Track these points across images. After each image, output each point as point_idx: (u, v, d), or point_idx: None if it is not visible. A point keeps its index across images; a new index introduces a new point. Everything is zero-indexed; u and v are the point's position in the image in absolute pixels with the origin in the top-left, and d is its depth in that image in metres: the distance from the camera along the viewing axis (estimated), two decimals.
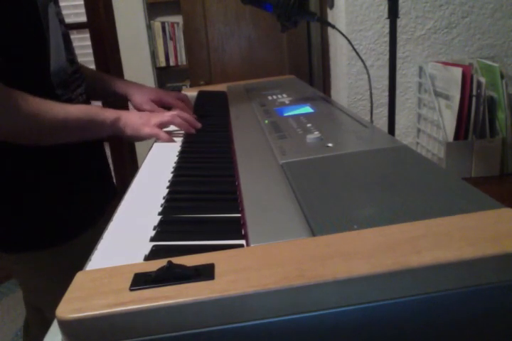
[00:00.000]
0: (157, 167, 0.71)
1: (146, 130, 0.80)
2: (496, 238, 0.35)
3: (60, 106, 0.72)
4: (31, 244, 0.78)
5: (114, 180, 1.03)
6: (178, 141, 0.84)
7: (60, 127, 0.72)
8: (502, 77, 1.21)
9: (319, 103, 0.96)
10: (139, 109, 0.98)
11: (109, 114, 0.78)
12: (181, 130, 0.87)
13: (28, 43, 0.72)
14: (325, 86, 1.82)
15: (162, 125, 0.83)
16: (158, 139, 0.83)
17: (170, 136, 0.83)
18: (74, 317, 0.32)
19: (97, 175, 0.91)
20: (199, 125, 0.88)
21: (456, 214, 0.40)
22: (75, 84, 0.84)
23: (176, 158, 0.74)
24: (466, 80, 1.20)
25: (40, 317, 0.91)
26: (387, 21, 0.97)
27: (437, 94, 1.34)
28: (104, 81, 1.00)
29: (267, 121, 0.84)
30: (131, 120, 0.80)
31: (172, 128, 0.88)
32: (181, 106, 1.00)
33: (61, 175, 0.79)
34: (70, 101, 0.80)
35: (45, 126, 0.70)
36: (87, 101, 0.89)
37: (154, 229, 0.49)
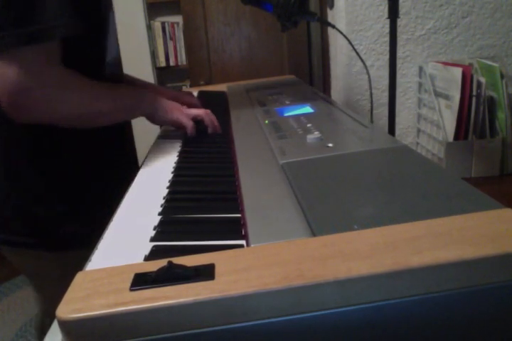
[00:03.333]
0: (157, 167, 0.71)
1: (176, 114, 0.83)
2: (496, 238, 0.35)
3: (115, 89, 0.76)
4: (77, 243, 0.78)
5: None
6: (178, 140, 0.84)
7: (108, 109, 0.74)
8: (502, 77, 1.21)
9: (319, 103, 0.96)
10: None
11: (149, 95, 0.81)
12: (209, 127, 0.88)
13: (94, 30, 0.74)
14: (325, 86, 1.82)
15: (193, 117, 0.85)
16: (183, 129, 0.85)
17: (194, 129, 0.84)
18: (74, 318, 0.32)
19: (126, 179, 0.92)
20: (220, 130, 0.89)
21: (456, 214, 0.40)
22: (121, 79, 0.87)
23: (176, 158, 0.74)
24: (466, 80, 1.20)
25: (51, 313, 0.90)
26: (387, 21, 0.97)
27: (437, 94, 1.34)
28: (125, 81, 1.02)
29: (267, 121, 0.84)
30: (166, 103, 0.83)
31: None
32: (196, 102, 1.01)
33: (88, 175, 0.81)
34: None
35: (101, 109, 0.73)
36: None
37: (154, 229, 0.49)
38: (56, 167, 0.77)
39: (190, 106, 1.02)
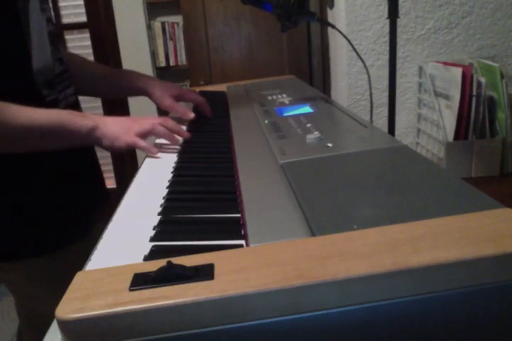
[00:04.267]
0: (157, 167, 0.71)
1: (125, 139, 0.74)
2: (496, 238, 0.35)
3: (26, 112, 0.67)
4: (24, 252, 0.76)
5: (114, 181, 1.02)
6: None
7: (22, 135, 0.67)
8: (502, 77, 1.21)
9: (319, 103, 0.96)
10: (159, 105, 0.97)
11: (86, 122, 0.72)
12: (165, 140, 0.80)
13: (3, 40, 0.68)
14: (325, 86, 1.82)
15: (143, 134, 0.76)
16: (138, 149, 0.76)
17: (150, 145, 0.76)
18: (73, 317, 0.31)
19: (89, 182, 0.89)
20: (186, 134, 0.81)
21: (456, 214, 0.40)
22: (63, 85, 0.81)
23: (175, 158, 0.74)
24: (466, 80, 1.20)
25: (32, 326, 0.89)
26: (387, 21, 0.97)
27: (437, 94, 1.34)
28: (123, 76, 0.99)
29: (266, 121, 0.84)
30: (110, 129, 0.74)
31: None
32: (202, 101, 1.00)
33: (52, 181, 0.78)
34: (56, 101, 0.78)
35: (5, 133, 0.66)
36: (75, 103, 0.86)
37: (154, 229, 0.49)
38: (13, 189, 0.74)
39: (194, 102, 1.02)
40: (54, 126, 0.69)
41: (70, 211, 0.80)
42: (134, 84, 0.98)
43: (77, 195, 0.82)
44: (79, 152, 0.82)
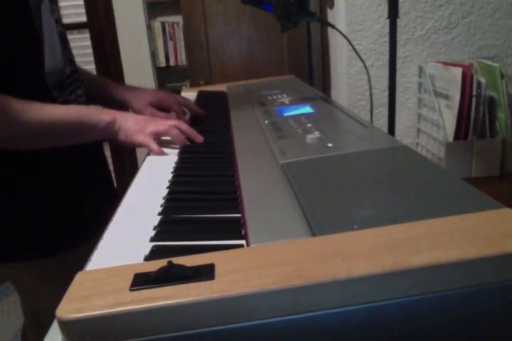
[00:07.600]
0: (157, 167, 0.71)
1: (139, 138, 0.75)
2: (496, 238, 0.35)
3: (47, 108, 0.68)
4: (32, 253, 0.76)
5: (114, 181, 1.02)
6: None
7: (46, 131, 0.68)
8: (502, 77, 1.21)
9: (319, 103, 0.96)
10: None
11: (104, 117, 0.73)
12: (176, 143, 0.79)
13: (18, 42, 0.69)
14: (325, 86, 1.82)
15: (157, 134, 0.78)
16: (149, 150, 0.77)
17: (161, 149, 0.76)
18: (74, 317, 0.32)
19: (99, 182, 0.90)
20: (201, 138, 0.81)
21: (456, 214, 0.40)
22: (73, 86, 0.82)
23: (175, 158, 0.74)
24: (466, 80, 1.20)
25: (37, 325, 0.89)
26: (387, 21, 0.97)
27: (437, 94, 1.34)
28: (105, 87, 0.98)
29: (266, 121, 0.84)
30: (127, 124, 0.75)
31: None
32: (179, 111, 0.99)
33: (63, 182, 0.78)
34: (67, 103, 0.78)
35: (30, 130, 0.67)
36: (86, 104, 0.86)
37: (154, 229, 0.49)
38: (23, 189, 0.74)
39: (171, 110, 1.00)
40: (75, 121, 0.71)
41: (78, 212, 0.80)
42: (114, 96, 0.97)
43: (86, 197, 0.82)
44: (87, 153, 0.82)
